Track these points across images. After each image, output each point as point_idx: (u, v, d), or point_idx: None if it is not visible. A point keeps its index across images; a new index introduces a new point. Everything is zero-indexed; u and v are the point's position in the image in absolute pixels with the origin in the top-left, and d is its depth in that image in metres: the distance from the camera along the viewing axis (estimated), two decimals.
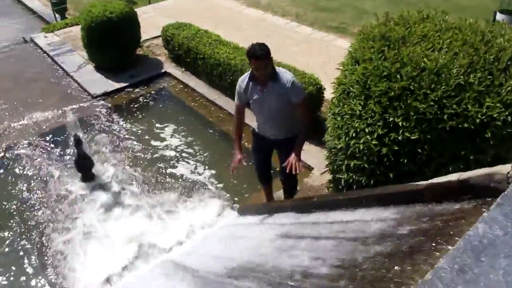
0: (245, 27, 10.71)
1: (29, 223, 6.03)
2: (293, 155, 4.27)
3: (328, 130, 4.80)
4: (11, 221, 6.09)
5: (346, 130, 4.16)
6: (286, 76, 4.34)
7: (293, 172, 4.23)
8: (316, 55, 9.06)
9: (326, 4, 12.05)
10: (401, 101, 3.45)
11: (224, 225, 5.49)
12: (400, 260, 2.43)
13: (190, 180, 6.50)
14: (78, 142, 6.28)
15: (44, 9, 14.51)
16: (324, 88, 6.82)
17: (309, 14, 11.44)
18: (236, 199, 6.06)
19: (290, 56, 8.45)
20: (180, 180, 6.53)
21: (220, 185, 6.33)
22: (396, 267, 2.39)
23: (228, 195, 6.12)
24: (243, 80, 4.56)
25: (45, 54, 10.72)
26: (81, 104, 8.50)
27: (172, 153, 7.09)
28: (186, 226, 5.68)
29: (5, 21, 14.37)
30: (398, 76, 3.49)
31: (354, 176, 4.15)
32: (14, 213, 6.21)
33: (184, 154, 7.03)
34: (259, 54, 4.14)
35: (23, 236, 5.84)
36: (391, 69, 3.55)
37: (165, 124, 7.76)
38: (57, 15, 13.16)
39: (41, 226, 5.96)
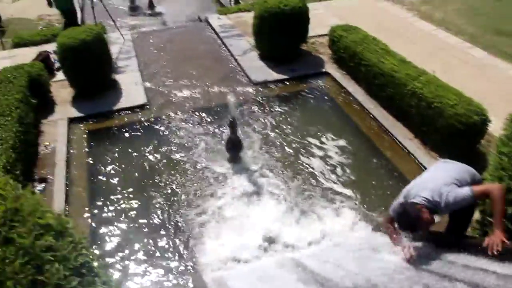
0: (414, 40, 10.32)
1: (168, 190, 6.49)
2: (497, 233, 3.62)
3: (489, 168, 4.48)
4: (152, 185, 6.61)
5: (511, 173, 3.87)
6: (442, 205, 3.97)
7: (494, 252, 3.56)
8: (487, 82, 8.44)
9: (509, 28, 11.13)
10: None
11: (358, 238, 5.39)
12: None
13: (330, 187, 6.46)
14: (232, 124, 6.58)
15: None
16: (489, 120, 6.34)
17: (486, 37, 10.67)
18: (373, 215, 5.90)
19: (457, 78, 7.98)
20: (320, 183, 6.52)
21: (360, 199, 6.19)
22: None
23: (367, 211, 5.96)
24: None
25: (215, 35, 11.41)
26: (241, 88, 8.93)
27: (320, 153, 7.10)
28: (317, 229, 5.66)
29: None
30: None
31: (509, 225, 3.85)
32: (158, 181, 6.69)
33: (329, 160, 6.98)
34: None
35: (161, 201, 6.30)
36: None
37: (317, 125, 7.77)
38: (231, 0, 13.82)
39: (179, 196, 6.38)
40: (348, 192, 6.32)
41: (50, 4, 11.44)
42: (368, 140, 7.34)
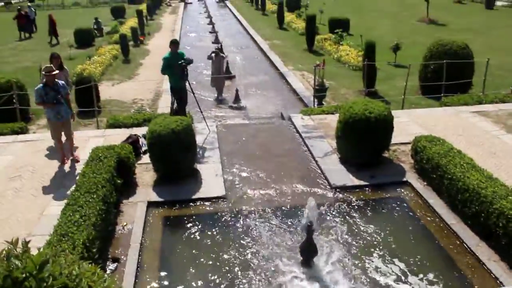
0: (500, 154, 9.94)
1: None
2: None
3: None
4: (223, 283, 6.55)
5: None
6: None
7: None
8: None
9: None
10: None
11: None
12: None
13: None
14: (310, 229, 6.49)
15: (305, 92, 15.73)
16: None
17: None
18: None
19: None
20: None
21: None
22: None
23: None
24: None
25: (297, 134, 11.64)
26: (319, 191, 8.88)
27: (395, 269, 6.74)
28: None
29: (270, 95, 16.16)
30: None
31: None
32: (230, 280, 6.61)
33: (406, 277, 6.59)
34: None
35: None
36: None
37: (394, 237, 7.48)
38: (315, 101, 14.13)
39: None
40: None
41: None
42: (447, 258, 6.95)
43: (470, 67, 14.59)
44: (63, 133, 9.89)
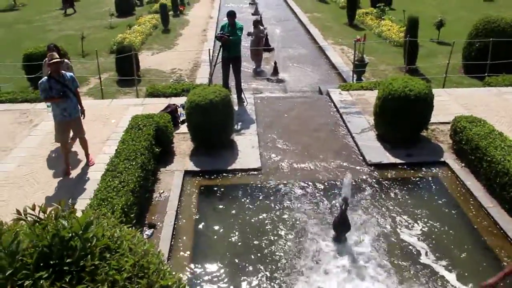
0: None
1: (270, 258, 6.51)
2: None
3: None
4: (255, 251, 6.68)
5: None
6: None
7: None
8: None
9: None
10: None
11: None
12: None
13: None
14: (345, 204, 6.51)
15: (344, 67, 15.54)
16: None
17: None
18: None
19: None
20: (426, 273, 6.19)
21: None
22: None
23: None
24: None
25: (335, 109, 11.56)
26: (354, 167, 8.85)
27: (432, 251, 6.70)
28: None
29: (309, 69, 16.01)
30: None
31: None
32: (261, 248, 6.73)
33: (439, 260, 6.55)
34: None
35: (261, 271, 6.30)
36: None
37: (429, 218, 7.39)
38: (354, 76, 13.95)
39: (280, 267, 6.35)
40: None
41: None
42: (482, 242, 6.86)
43: None
44: (72, 135, 8.70)
